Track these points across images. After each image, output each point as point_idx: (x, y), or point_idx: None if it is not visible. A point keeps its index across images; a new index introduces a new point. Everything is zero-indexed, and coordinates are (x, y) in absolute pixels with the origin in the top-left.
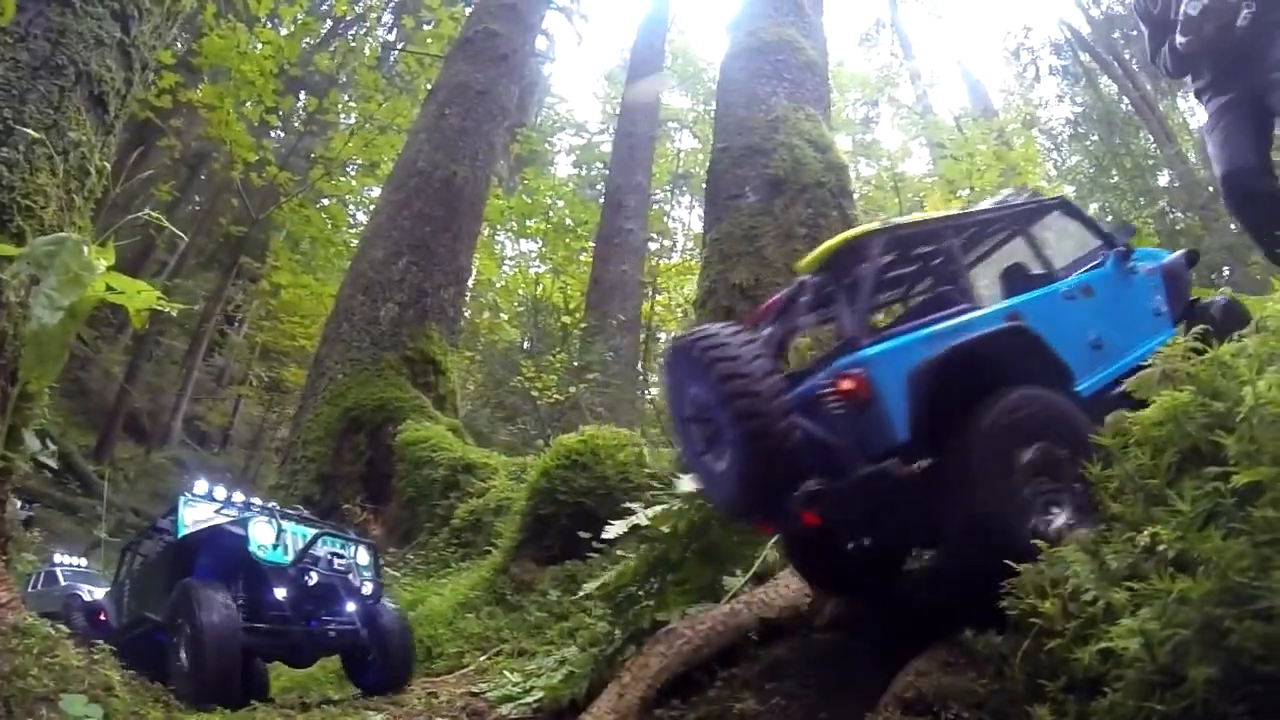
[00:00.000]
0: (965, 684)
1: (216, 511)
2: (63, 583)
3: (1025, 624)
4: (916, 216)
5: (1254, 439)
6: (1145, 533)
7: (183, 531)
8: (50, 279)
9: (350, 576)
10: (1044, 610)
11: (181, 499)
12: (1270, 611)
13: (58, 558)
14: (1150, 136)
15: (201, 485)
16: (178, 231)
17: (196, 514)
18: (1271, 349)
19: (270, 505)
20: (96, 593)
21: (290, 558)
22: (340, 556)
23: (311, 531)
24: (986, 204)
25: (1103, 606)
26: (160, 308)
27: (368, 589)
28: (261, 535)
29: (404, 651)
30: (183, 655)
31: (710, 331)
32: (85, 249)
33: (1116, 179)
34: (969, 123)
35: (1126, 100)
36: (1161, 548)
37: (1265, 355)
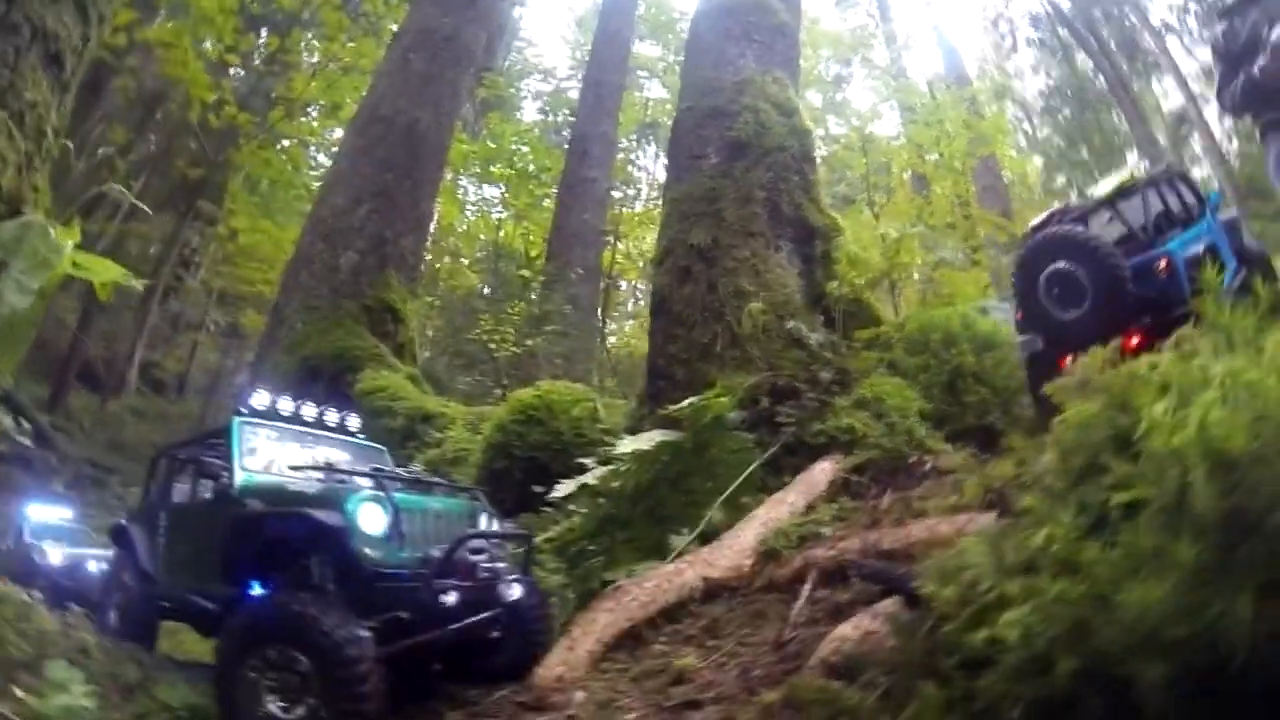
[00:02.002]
0: (882, 652)
1: (291, 469)
2: (27, 539)
3: (930, 605)
4: (1147, 172)
5: (1140, 460)
6: (1043, 532)
7: (240, 480)
8: (18, 263)
9: (499, 586)
10: (944, 596)
11: (235, 420)
12: (1127, 621)
13: (29, 511)
14: (1122, 115)
15: (262, 397)
16: (144, 206)
17: (257, 453)
18: (1180, 371)
19: (369, 452)
20: (55, 554)
21: (407, 553)
22: (480, 552)
23: (436, 508)
24: (1158, 169)
25: (996, 596)
26: (125, 285)
27: (514, 593)
28: (369, 523)
29: (539, 626)
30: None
31: (1079, 229)
32: (51, 231)
33: (1085, 155)
34: (942, 89)
35: (1101, 77)
36: (1055, 548)
37: (1173, 376)
